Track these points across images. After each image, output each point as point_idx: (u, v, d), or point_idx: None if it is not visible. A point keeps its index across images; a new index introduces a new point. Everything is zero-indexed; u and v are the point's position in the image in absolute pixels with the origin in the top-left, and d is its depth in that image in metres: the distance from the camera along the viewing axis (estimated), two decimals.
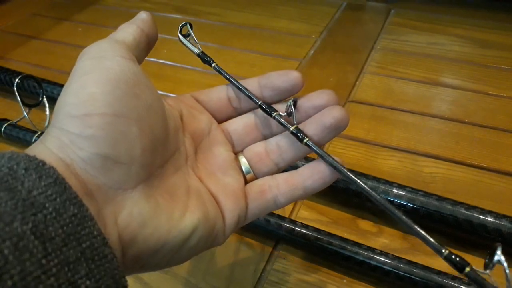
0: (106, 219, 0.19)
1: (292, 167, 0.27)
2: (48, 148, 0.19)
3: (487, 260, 0.19)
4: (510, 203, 0.41)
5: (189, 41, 0.28)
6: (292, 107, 0.25)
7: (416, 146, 0.49)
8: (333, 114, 0.24)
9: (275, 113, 0.25)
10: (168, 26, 0.66)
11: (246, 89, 0.26)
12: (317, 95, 0.25)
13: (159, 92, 0.23)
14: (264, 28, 0.76)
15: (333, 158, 0.23)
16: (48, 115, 0.50)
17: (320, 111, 0.25)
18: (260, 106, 0.26)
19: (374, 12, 0.79)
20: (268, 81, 0.26)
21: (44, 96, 0.50)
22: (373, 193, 0.22)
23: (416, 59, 0.64)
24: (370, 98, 0.57)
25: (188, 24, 0.28)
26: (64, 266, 0.15)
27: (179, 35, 0.28)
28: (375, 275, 0.35)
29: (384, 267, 0.34)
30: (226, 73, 0.27)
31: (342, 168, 0.23)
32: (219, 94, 0.28)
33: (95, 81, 0.19)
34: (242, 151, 0.27)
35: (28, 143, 0.49)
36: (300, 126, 0.25)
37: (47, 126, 0.22)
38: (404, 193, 0.38)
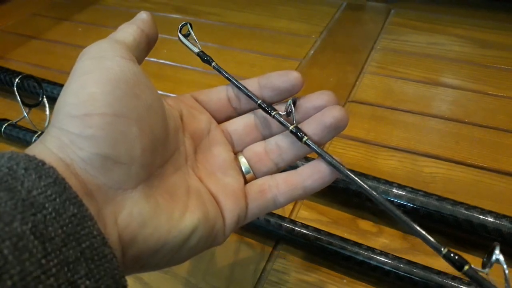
0: (106, 219, 0.19)
1: (291, 167, 0.27)
2: (48, 148, 0.19)
3: (485, 259, 0.19)
4: (510, 203, 0.41)
5: (189, 40, 0.28)
6: (292, 106, 0.25)
7: (416, 146, 0.49)
8: (333, 114, 0.24)
9: (274, 112, 0.25)
10: (168, 26, 0.66)
11: (245, 88, 0.26)
12: (317, 95, 0.25)
13: (159, 92, 0.23)
14: (264, 28, 0.76)
15: (332, 157, 0.23)
16: (48, 115, 0.50)
17: (320, 111, 0.25)
18: (259, 105, 0.26)
19: (374, 12, 0.79)
20: (268, 81, 0.26)
21: (44, 96, 0.50)
22: (373, 192, 0.22)
23: (416, 59, 0.64)
24: (370, 98, 0.57)
25: (188, 24, 0.28)
26: (64, 266, 0.15)
27: (179, 34, 0.28)
28: (375, 275, 0.35)
29: (384, 267, 0.34)
30: (225, 72, 0.27)
31: (342, 167, 0.23)
32: (219, 94, 0.28)
33: (95, 81, 0.19)
34: (242, 151, 0.27)
35: (28, 143, 0.49)
36: (300, 126, 0.25)
37: (47, 126, 0.22)
38: (404, 193, 0.38)
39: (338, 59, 0.66)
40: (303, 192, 0.25)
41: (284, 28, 0.75)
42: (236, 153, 0.27)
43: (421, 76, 0.60)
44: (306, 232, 0.37)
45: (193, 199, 0.22)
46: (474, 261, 0.19)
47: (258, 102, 0.26)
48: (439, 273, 0.33)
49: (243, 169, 0.26)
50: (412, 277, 0.33)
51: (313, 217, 0.42)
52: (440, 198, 0.37)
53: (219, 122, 0.28)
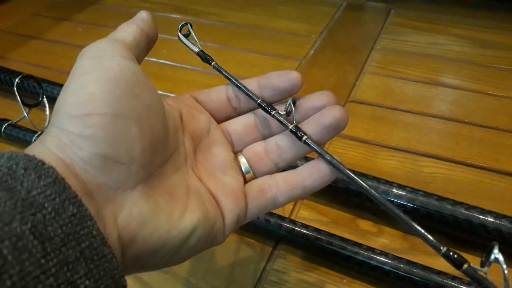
0: (105, 219, 0.19)
1: (291, 167, 0.27)
2: (48, 148, 0.19)
3: (483, 259, 0.19)
4: (510, 203, 0.41)
5: (189, 40, 0.28)
6: (292, 106, 0.25)
7: (416, 146, 0.49)
8: (332, 114, 0.24)
9: (274, 112, 0.25)
10: (168, 26, 0.66)
11: (245, 87, 0.26)
12: (317, 96, 0.25)
13: (159, 92, 0.23)
14: (264, 28, 0.76)
15: (332, 157, 0.23)
16: (48, 115, 0.50)
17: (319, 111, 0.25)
18: (259, 105, 0.26)
19: (374, 12, 0.79)
20: (267, 81, 0.26)
21: (44, 96, 0.50)
22: (372, 191, 0.22)
23: (416, 59, 0.64)
24: (370, 98, 0.57)
25: (188, 24, 0.28)
26: (63, 266, 0.15)
27: (179, 34, 0.28)
28: (375, 275, 0.35)
29: (384, 267, 0.34)
30: (225, 71, 0.27)
31: (341, 166, 0.23)
32: (219, 94, 0.28)
33: (95, 81, 0.19)
34: (241, 151, 0.27)
35: (28, 143, 0.49)
36: (300, 126, 0.25)
37: (47, 126, 0.22)
38: (404, 193, 0.38)
39: (338, 59, 0.66)
40: (302, 191, 0.25)
41: (284, 28, 0.75)
42: (236, 153, 0.27)
43: (421, 76, 0.60)
44: (306, 232, 0.37)
45: (193, 199, 0.22)
46: (474, 261, 0.19)
47: (258, 101, 0.26)
48: (439, 273, 0.33)
49: (242, 169, 0.26)
50: (412, 277, 0.33)
51: (313, 217, 0.42)
52: (440, 198, 0.37)
53: (219, 122, 0.28)
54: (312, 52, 0.68)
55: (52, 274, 0.15)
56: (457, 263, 0.19)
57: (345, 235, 0.38)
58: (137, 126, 0.20)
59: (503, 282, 0.18)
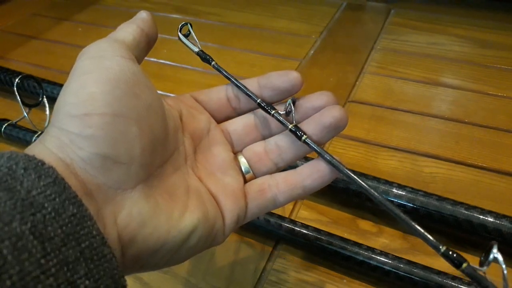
0: (105, 219, 0.19)
1: (291, 167, 0.27)
2: (48, 148, 0.19)
3: (482, 258, 0.19)
4: (510, 203, 0.41)
5: (188, 40, 0.28)
6: (292, 105, 0.25)
7: (416, 146, 0.49)
8: (332, 114, 0.24)
9: (274, 111, 0.25)
10: (168, 26, 0.66)
11: (245, 87, 0.26)
12: (316, 96, 0.25)
13: (159, 92, 0.23)
14: (264, 28, 0.76)
15: (332, 156, 0.23)
16: (48, 115, 0.50)
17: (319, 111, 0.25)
18: (259, 104, 0.26)
19: (374, 12, 0.79)
20: (267, 81, 0.26)
21: (44, 96, 0.50)
22: (372, 191, 0.22)
23: (416, 59, 0.64)
24: (370, 98, 0.57)
25: (188, 24, 0.28)
26: (63, 266, 0.15)
27: (179, 33, 0.28)
28: (375, 275, 0.35)
29: (384, 267, 0.34)
30: (225, 71, 0.27)
31: (341, 166, 0.23)
32: (219, 94, 0.28)
33: (95, 81, 0.19)
34: (241, 151, 0.27)
35: (28, 143, 0.49)
36: (299, 126, 0.25)
37: (47, 126, 0.22)
38: (404, 193, 0.38)
39: (338, 59, 0.66)
40: (302, 191, 0.25)
41: (284, 28, 0.75)
42: (235, 153, 0.27)
43: (421, 76, 0.60)
44: (306, 232, 0.37)
45: (193, 199, 0.22)
46: (474, 261, 0.19)
47: (258, 101, 0.26)
48: (439, 273, 0.33)
49: (242, 169, 0.26)
50: (412, 277, 0.33)
51: (313, 217, 0.42)
52: (440, 198, 0.37)
53: (219, 122, 0.28)
54: (312, 52, 0.68)
55: (52, 274, 0.15)
56: (456, 263, 0.19)
57: (345, 235, 0.38)
58: (137, 126, 0.20)
59: (502, 282, 0.18)
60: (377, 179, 0.40)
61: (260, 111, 0.27)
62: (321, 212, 0.42)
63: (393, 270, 0.34)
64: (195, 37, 0.28)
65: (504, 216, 0.35)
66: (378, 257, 0.35)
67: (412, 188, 0.39)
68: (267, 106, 0.25)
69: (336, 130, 0.24)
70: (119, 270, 0.17)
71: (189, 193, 0.23)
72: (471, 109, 0.54)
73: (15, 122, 0.52)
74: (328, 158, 0.23)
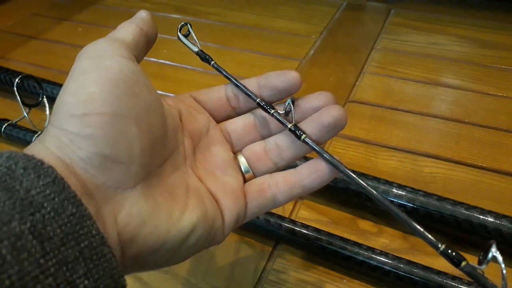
0: (105, 218, 0.19)
1: (291, 167, 0.26)
2: (47, 148, 0.19)
3: (481, 257, 0.19)
4: (510, 203, 0.41)
5: (188, 40, 0.28)
6: (291, 105, 0.25)
7: (416, 146, 0.49)
8: (331, 113, 0.24)
9: (273, 111, 0.25)
10: (168, 26, 0.66)
11: (244, 86, 0.26)
12: (315, 96, 0.25)
13: (159, 92, 0.23)
14: (264, 28, 0.76)
15: (331, 156, 0.23)
16: (48, 115, 0.50)
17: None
18: (258, 104, 0.26)
19: (374, 12, 0.79)
20: (266, 81, 0.26)
21: (44, 96, 0.50)
22: (371, 189, 0.22)
23: (416, 59, 0.64)
24: (370, 98, 0.57)
25: (188, 24, 0.28)
26: (63, 266, 0.15)
27: (178, 33, 0.28)
28: (375, 275, 0.35)
29: (384, 267, 0.34)
30: (224, 71, 0.27)
31: (340, 165, 0.23)
32: (218, 94, 0.28)
33: (94, 81, 0.19)
34: (241, 150, 0.27)
35: (28, 143, 0.49)
36: (299, 125, 0.25)
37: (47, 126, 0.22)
38: (404, 193, 0.38)
39: (338, 59, 0.66)
40: (302, 190, 0.25)
41: (284, 28, 0.75)
42: (235, 153, 0.27)
43: (421, 76, 0.60)
44: (306, 232, 0.37)
45: (192, 198, 0.22)
46: (474, 261, 0.19)
47: (257, 100, 0.26)
48: (439, 273, 0.33)
49: (242, 168, 0.26)
50: (412, 277, 0.33)
51: (313, 217, 0.42)
52: (440, 198, 0.37)
53: (218, 121, 0.28)
54: (312, 52, 0.68)
55: (51, 273, 0.15)
56: (455, 261, 0.19)
57: (345, 235, 0.37)
58: (136, 125, 0.20)
59: (501, 281, 0.18)
60: (377, 179, 0.40)
61: (259, 111, 0.27)
62: (321, 212, 0.42)
63: (393, 270, 0.34)
64: (194, 37, 0.28)
65: (504, 216, 0.35)
66: (378, 257, 0.35)
67: (412, 188, 0.39)
68: (266, 105, 0.25)
69: (335, 129, 0.24)
70: (119, 269, 0.17)
71: (189, 193, 0.23)
72: (471, 109, 0.54)
73: (15, 122, 0.52)
74: (327, 157, 0.23)
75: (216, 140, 0.26)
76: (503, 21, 0.72)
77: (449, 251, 0.20)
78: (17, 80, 0.49)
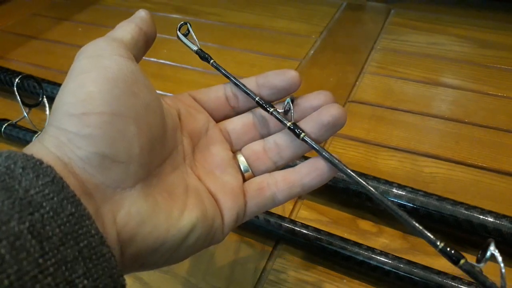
0: (104, 218, 0.19)
1: (290, 166, 0.26)
2: (46, 147, 0.19)
3: (479, 256, 0.19)
4: (510, 203, 0.41)
5: (187, 39, 0.28)
6: (290, 104, 0.25)
7: (416, 146, 0.49)
8: (331, 112, 0.24)
9: (272, 109, 0.25)
10: (168, 26, 0.66)
11: (243, 85, 0.26)
12: (314, 95, 0.25)
13: (159, 92, 0.23)
14: (264, 28, 0.76)
15: (330, 154, 0.23)
16: (48, 115, 0.50)
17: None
18: (257, 102, 0.26)
19: (374, 12, 0.79)
20: (265, 80, 0.26)
21: (44, 96, 0.50)
22: (370, 187, 0.22)
23: (416, 59, 0.64)
24: (370, 98, 0.57)
25: (187, 24, 0.28)
26: (62, 266, 0.15)
27: (178, 32, 0.28)
28: (375, 275, 0.35)
29: (384, 267, 0.34)
30: (224, 69, 0.27)
31: (339, 163, 0.23)
32: (217, 93, 0.28)
33: (93, 80, 0.19)
34: (240, 150, 0.27)
35: (28, 143, 0.49)
36: (298, 124, 0.25)
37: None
38: (404, 193, 0.38)
39: (338, 59, 0.66)
40: (301, 189, 0.25)
41: (284, 28, 0.75)
42: (234, 152, 0.27)
43: (421, 76, 0.60)
44: (306, 232, 0.37)
45: (192, 197, 0.22)
46: (473, 261, 0.19)
47: (256, 99, 0.26)
48: (439, 273, 0.33)
49: (241, 167, 0.26)
50: (412, 277, 0.33)
51: (313, 217, 0.42)
52: (440, 198, 0.37)
53: (217, 121, 0.28)
54: (312, 52, 0.68)
55: (50, 273, 0.15)
56: (454, 259, 0.19)
57: (345, 235, 0.37)
58: (135, 125, 0.20)
59: (500, 280, 0.18)
60: (377, 179, 0.40)
61: (258, 110, 0.27)
62: (321, 212, 0.42)
63: (393, 270, 0.34)
64: (194, 36, 0.28)
65: (504, 216, 0.35)
66: (378, 257, 0.35)
67: (412, 188, 0.39)
68: (265, 104, 0.25)
69: (334, 128, 0.24)
70: (118, 269, 0.17)
71: (188, 192, 0.23)
72: (471, 109, 0.54)
73: (15, 122, 0.52)
74: (326, 155, 0.23)
75: (215, 139, 0.26)
76: (503, 21, 0.72)
77: (448, 249, 0.20)
78: (17, 80, 0.48)
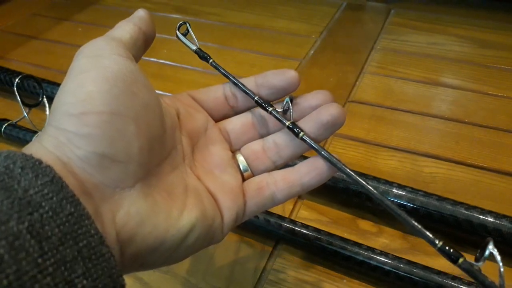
0: (103, 217, 0.19)
1: (289, 165, 0.26)
2: (45, 147, 0.19)
3: (478, 255, 0.19)
4: (510, 203, 0.41)
5: (187, 39, 0.28)
6: (289, 103, 0.25)
7: (416, 146, 0.49)
8: (330, 111, 0.24)
9: (271, 108, 0.25)
10: (168, 26, 0.65)
11: (242, 84, 0.26)
12: (313, 95, 0.25)
13: (159, 92, 0.23)
14: (264, 28, 0.76)
15: (329, 153, 0.23)
16: (48, 115, 0.50)
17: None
18: (256, 102, 0.26)
19: (374, 12, 0.79)
20: (264, 80, 0.26)
21: (44, 96, 0.49)
22: (369, 186, 0.22)
23: (416, 59, 0.64)
24: (370, 98, 0.57)
25: (186, 23, 0.28)
26: (61, 265, 0.15)
27: (177, 31, 0.28)
28: (375, 275, 0.35)
29: (384, 267, 0.34)
30: (223, 69, 0.27)
31: (338, 162, 0.23)
32: (216, 92, 0.28)
33: (92, 80, 0.19)
34: (239, 149, 0.27)
35: (28, 143, 0.49)
36: (297, 124, 0.25)
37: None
38: (404, 193, 0.38)
39: (338, 59, 0.66)
40: (301, 188, 0.25)
41: (284, 28, 0.75)
42: (233, 152, 0.27)
43: (421, 76, 0.60)
44: (306, 232, 0.37)
45: (191, 197, 0.22)
46: (473, 260, 0.19)
47: (255, 98, 0.26)
48: (439, 273, 0.33)
49: (240, 167, 0.26)
50: (412, 277, 0.33)
51: (313, 217, 0.42)
52: (440, 198, 0.37)
53: (216, 120, 0.28)
54: (312, 52, 0.68)
55: (49, 273, 0.15)
56: (453, 258, 0.19)
57: (345, 235, 0.37)
58: (134, 124, 0.20)
59: (499, 279, 0.18)
60: (377, 179, 0.40)
61: (258, 109, 0.27)
62: (321, 212, 0.42)
63: (393, 270, 0.34)
64: (193, 35, 0.28)
65: (504, 216, 0.35)
66: (378, 257, 0.35)
67: (412, 188, 0.39)
68: (264, 103, 0.25)
69: (333, 127, 0.24)
70: (117, 269, 0.17)
71: (187, 192, 0.23)
72: (471, 109, 0.54)
73: (15, 122, 0.52)
74: (325, 154, 0.23)
75: (214, 139, 0.26)
76: (503, 21, 0.72)
77: (447, 248, 0.20)
78: (17, 80, 0.48)
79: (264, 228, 0.39)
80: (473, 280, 0.19)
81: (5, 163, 0.16)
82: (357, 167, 0.46)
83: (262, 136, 0.27)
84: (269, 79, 0.26)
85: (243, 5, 0.84)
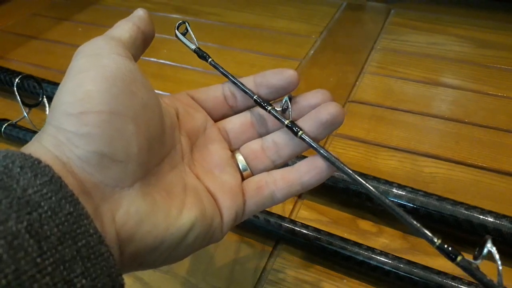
0: (103, 217, 0.19)
1: (288, 164, 0.26)
2: (44, 147, 0.19)
3: (476, 253, 0.19)
4: (510, 203, 0.41)
5: (186, 38, 0.28)
6: (288, 102, 0.25)
7: (416, 146, 0.49)
8: (329, 110, 0.24)
9: (270, 107, 0.25)
10: (168, 26, 0.65)
11: (241, 83, 0.26)
12: (312, 94, 0.25)
13: (159, 92, 0.23)
14: (264, 28, 0.76)
15: (328, 152, 0.23)
16: (47, 114, 0.50)
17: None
18: (255, 101, 0.26)
19: (374, 12, 0.79)
20: (263, 79, 0.26)
21: (44, 96, 0.50)
22: (368, 185, 0.22)
23: (416, 59, 0.64)
24: (370, 98, 0.57)
25: (186, 23, 0.28)
26: (60, 265, 0.15)
27: (176, 31, 0.28)
28: (375, 275, 0.35)
29: (384, 267, 0.34)
30: (222, 68, 0.27)
31: (337, 161, 0.23)
32: (215, 92, 0.28)
33: (91, 79, 0.19)
34: (238, 148, 0.27)
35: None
36: (296, 123, 0.25)
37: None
38: (404, 193, 0.38)
39: (338, 59, 0.66)
40: (300, 188, 0.25)
41: (284, 28, 0.75)
42: (233, 151, 0.27)
43: (421, 76, 0.60)
44: (306, 232, 0.37)
45: (190, 196, 0.22)
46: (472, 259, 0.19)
47: (254, 97, 0.26)
48: (439, 273, 0.33)
49: (240, 166, 0.26)
50: (412, 277, 0.33)
51: (313, 217, 0.42)
52: (440, 198, 0.37)
53: (215, 120, 0.28)
54: (312, 52, 0.68)
55: (48, 273, 0.15)
56: (451, 256, 0.19)
57: (345, 235, 0.37)
58: (133, 124, 0.20)
59: (497, 277, 0.18)
60: (377, 179, 0.40)
61: (257, 109, 0.27)
62: (321, 212, 0.42)
63: (393, 270, 0.34)
64: (192, 34, 0.28)
65: (504, 216, 0.35)
66: (378, 257, 0.35)
67: (412, 188, 0.38)
68: (263, 102, 0.25)
69: (332, 126, 0.24)
70: (117, 268, 0.17)
71: (187, 191, 0.23)
72: (471, 109, 0.54)
73: (15, 122, 0.52)
74: (324, 153, 0.23)
75: (213, 138, 0.26)
76: (503, 21, 0.72)
77: (445, 246, 0.20)
78: (17, 80, 0.48)
79: (264, 228, 0.39)
80: (472, 280, 0.19)
81: (4, 162, 0.16)
82: (357, 167, 0.46)
83: (261, 136, 0.27)
84: (268, 78, 0.26)
85: (243, 5, 0.84)
